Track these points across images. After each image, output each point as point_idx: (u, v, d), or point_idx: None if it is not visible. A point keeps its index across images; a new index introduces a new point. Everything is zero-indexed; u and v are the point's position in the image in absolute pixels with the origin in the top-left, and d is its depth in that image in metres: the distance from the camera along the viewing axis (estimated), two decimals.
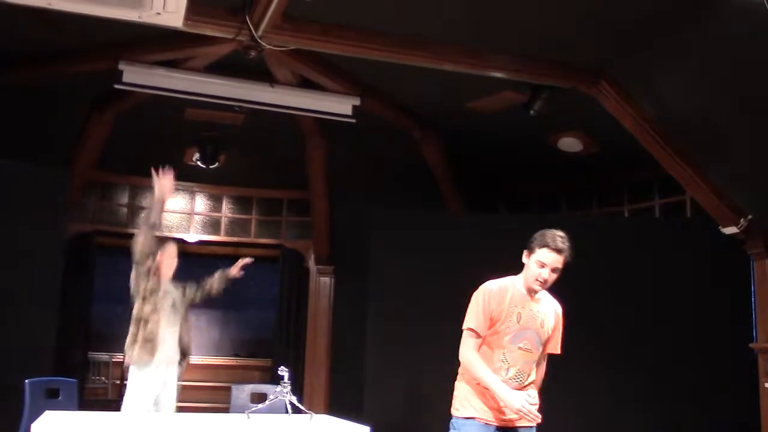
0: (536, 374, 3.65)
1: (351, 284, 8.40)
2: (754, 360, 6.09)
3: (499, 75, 5.89)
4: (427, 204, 8.22)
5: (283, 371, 4.46)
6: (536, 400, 3.50)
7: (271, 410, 4.65)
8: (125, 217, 8.84)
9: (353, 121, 6.97)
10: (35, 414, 4.39)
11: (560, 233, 3.51)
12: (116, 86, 6.38)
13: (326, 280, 9.01)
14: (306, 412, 4.55)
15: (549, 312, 3.63)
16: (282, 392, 4.42)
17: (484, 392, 3.46)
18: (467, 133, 7.59)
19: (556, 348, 3.67)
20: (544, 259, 3.46)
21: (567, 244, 3.48)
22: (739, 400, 6.18)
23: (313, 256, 9.05)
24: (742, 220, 6.13)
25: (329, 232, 8.85)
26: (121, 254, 9.88)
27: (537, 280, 3.48)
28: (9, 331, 5.88)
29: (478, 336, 3.48)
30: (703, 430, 6.13)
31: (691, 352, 6.38)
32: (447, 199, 8.28)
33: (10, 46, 6.11)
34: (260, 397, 5.12)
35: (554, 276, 3.48)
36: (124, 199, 8.87)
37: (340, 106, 6.92)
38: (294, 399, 4.46)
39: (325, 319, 8.92)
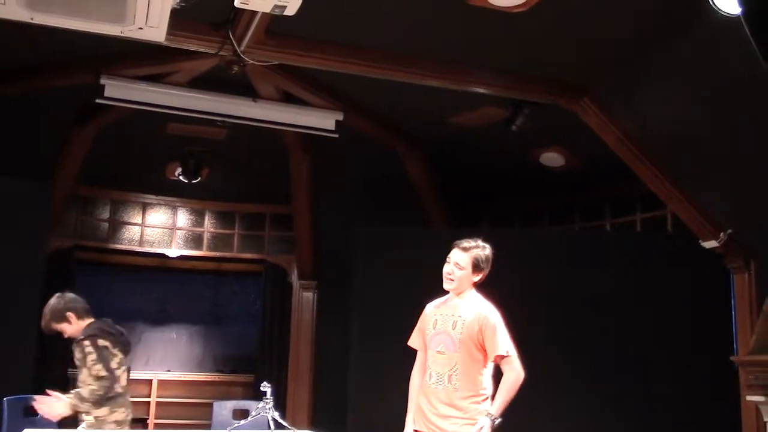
0: (497, 382, 3.69)
1: (334, 299, 8.39)
2: (733, 374, 6.12)
3: (481, 90, 5.93)
4: (411, 218, 8.23)
5: (266, 387, 4.44)
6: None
7: (253, 426, 4.62)
8: (106, 232, 8.78)
9: (336, 135, 6.98)
10: None
11: (473, 239, 3.85)
12: (98, 101, 6.36)
13: (309, 295, 8.98)
14: (289, 428, 4.52)
15: (468, 314, 3.73)
16: (264, 408, 4.40)
17: (418, 403, 3.80)
18: (450, 148, 7.62)
19: (494, 349, 3.66)
20: (449, 256, 3.82)
21: (472, 243, 3.80)
22: (720, 414, 6.20)
23: (296, 271, 9.03)
24: (722, 234, 6.18)
25: (312, 247, 8.83)
26: (102, 270, 9.88)
27: (443, 275, 3.82)
28: None
29: (415, 350, 3.93)
30: None
31: (671, 366, 6.41)
32: (430, 214, 8.30)
33: None
34: (243, 414, 5.09)
35: (456, 270, 3.76)
36: (106, 214, 8.81)
37: (323, 120, 6.93)
38: (277, 415, 4.44)
39: (308, 335, 8.89)
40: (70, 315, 4.48)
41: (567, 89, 5.90)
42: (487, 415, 3.60)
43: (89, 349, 4.33)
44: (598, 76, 5.68)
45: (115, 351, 4.43)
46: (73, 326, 4.49)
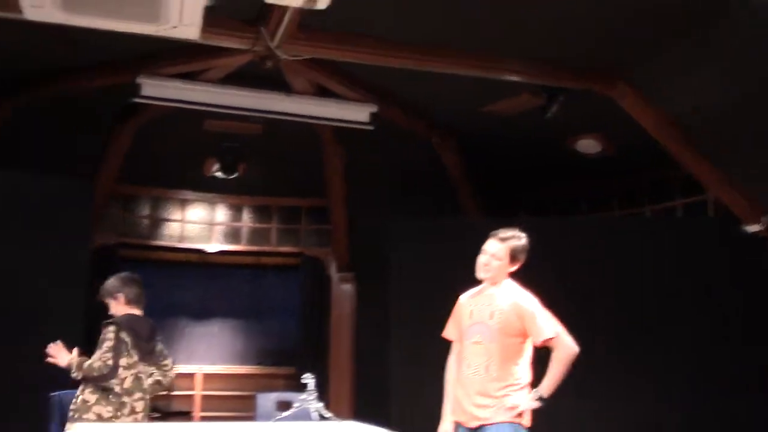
0: (520, 370, 3.68)
1: (372, 290, 8.41)
2: None
3: (515, 79, 5.88)
4: (446, 209, 8.21)
5: (308, 379, 4.48)
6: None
7: (297, 418, 4.66)
8: (148, 229, 8.92)
9: (371, 128, 6.99)
10: (64, 427, 4.43)
11: (510, 229, 3.83)
12: (135, 100, 6.44)
13: (347, 287, 9.02)
14: (332, 419, 4.56)
15: (504, 303, 3.72)
16: (307, 400, 4.44)
17: (455, 394, 3.80)
18: (485, 138, 7.58)
19: (538, 335, 3.64)
20: (484, 246, 3.81)
21: (509, 234, 3.79)
22: (763, 402, 6.10)
23: (333, 264, 9.07)
24: (764, 217, 6.07)
25: (348, 239, 8.87)
26: (145, 266, 10.05)
27: (477, 265, 3.81)
28: (36, 344, 5.93)
29: (450, 341, 3.94)
30: None
31: (715, 355, 6.29)
32: (465, 204, 8.27)
33: (32, 64, 6.20)
34: (286, 405, 5.13)
35: (493, 261, 3.75)
36: (147, 211, 8.94)
37: (357, 113, 6.93)
38: (320, 406, 4.48)
39: (347, 326, 8.93)
40: (119, 296, 4.59)
41: (602, 75, 5.83)
42: (534, 395, 3.60)
43: (109, 335, 4.39)
44: (634, 61, 5.60)
45: (132, 352, 4.46)
46: (117, 307, 4.59)
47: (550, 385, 3.59)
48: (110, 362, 4.34)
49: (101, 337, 4.43)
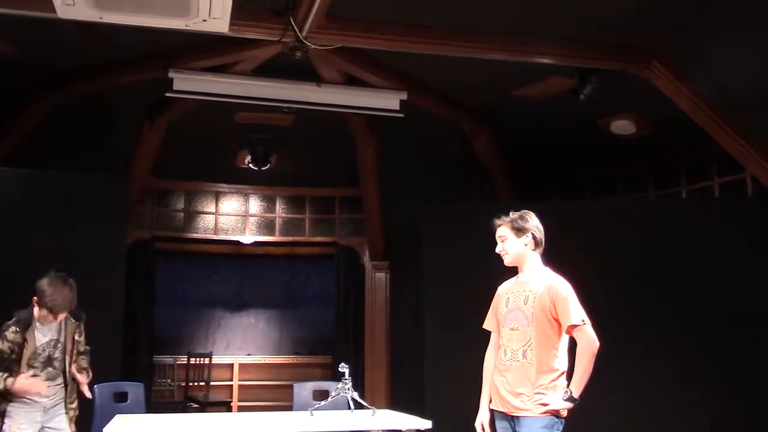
0: (558, 356, 3.66)
1: (407, 278, 8.42)
2: None
3: (545, 61, 5.82)
4: (480, 194, 8.17)
5: (344, 368, 4.50)
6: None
7: (333, 407, 4.70)
8: (182, 222, 9.01)
9: (401, 116, 6.97)
10: (105, 417, 4.51)
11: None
12: (168, 94, 6.50)
13: (382, 276, 9.04)
14: (368, 408, 4.58)
15: (538, 288, 3.74)
16: (344, 389, 4.46)
17: (493, 382, 3.81)
18: (517, 122, 7.52)
19: (567, 320, 3.62)
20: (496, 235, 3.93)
21: (505, 217, 3.89)
22: None
23: (367, 253, 9.09)
24: None
25: (382, 228, 8.87)
26: (181, 258, 10.19)
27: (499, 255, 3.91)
28: None
29: (490, 332, 3.97)
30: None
31: (751, 335, 6.17)
32: (499, 189, 8.22)
33: (66, 62, 6.29)
34: (322, 395, 5.17)
35: (504, 245, 3.86)
36: (181, 204, 9.04)
37: (387, 101, 6.92)
38: (356, 395, 4.50)
39: (382, 315, 8.96)
40: None
41: (635, 54, 5.74)
42: (565, 395, 3.57)
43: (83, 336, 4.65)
44: (668, 38, 5.50)
45: None
46: None
47: (580, 384, 3.55)
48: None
49: (83, 336, 4.65)
